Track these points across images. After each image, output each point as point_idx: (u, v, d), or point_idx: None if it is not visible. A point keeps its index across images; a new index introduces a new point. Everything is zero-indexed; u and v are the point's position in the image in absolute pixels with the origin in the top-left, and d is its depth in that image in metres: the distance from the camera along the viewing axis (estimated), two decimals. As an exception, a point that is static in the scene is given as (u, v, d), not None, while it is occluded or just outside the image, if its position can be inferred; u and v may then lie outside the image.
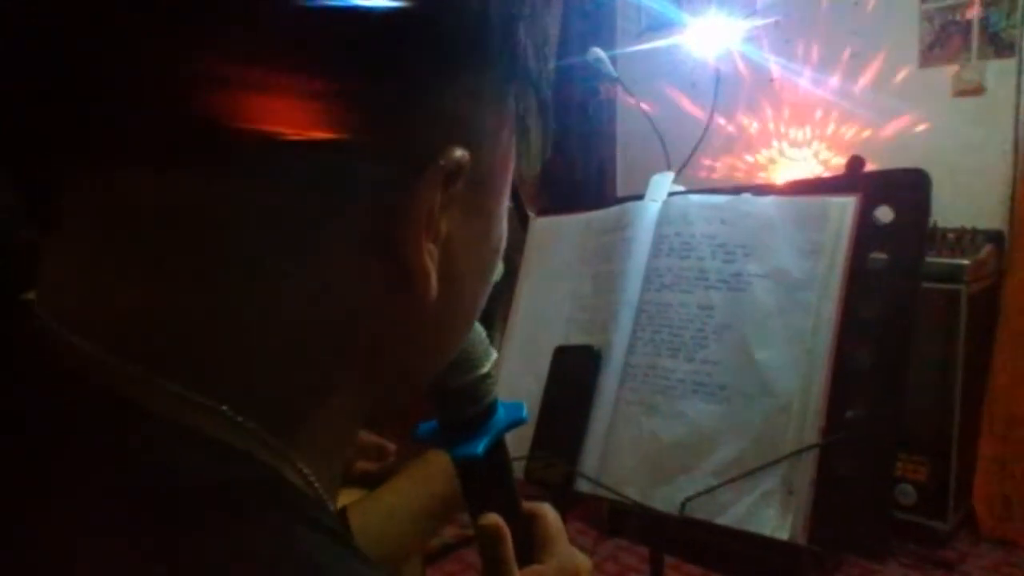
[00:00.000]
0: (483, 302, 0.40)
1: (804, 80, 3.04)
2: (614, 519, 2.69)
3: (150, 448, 0.29)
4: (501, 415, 0.55)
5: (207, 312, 0.30)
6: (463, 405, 0.53)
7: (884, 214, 0.92)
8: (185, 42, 0.27)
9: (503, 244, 0.39)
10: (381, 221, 0.31)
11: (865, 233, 0.92)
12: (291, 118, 0.28)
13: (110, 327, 0.30)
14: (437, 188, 0.32)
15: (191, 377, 0.30)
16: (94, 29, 0.27)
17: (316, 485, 0.33)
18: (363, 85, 0.29)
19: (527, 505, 0.58)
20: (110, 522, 0.26)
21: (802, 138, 3.10)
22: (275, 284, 0.31)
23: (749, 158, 3.23)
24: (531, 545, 0.57)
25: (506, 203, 0.39)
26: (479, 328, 0.50)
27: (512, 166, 0.38)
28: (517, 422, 0.56)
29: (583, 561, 0.57)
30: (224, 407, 0.30)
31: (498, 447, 0.55)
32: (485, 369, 0.52)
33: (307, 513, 0.30)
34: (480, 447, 0.53)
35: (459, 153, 0.32)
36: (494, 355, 0.53)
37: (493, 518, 0.53)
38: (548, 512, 0.58)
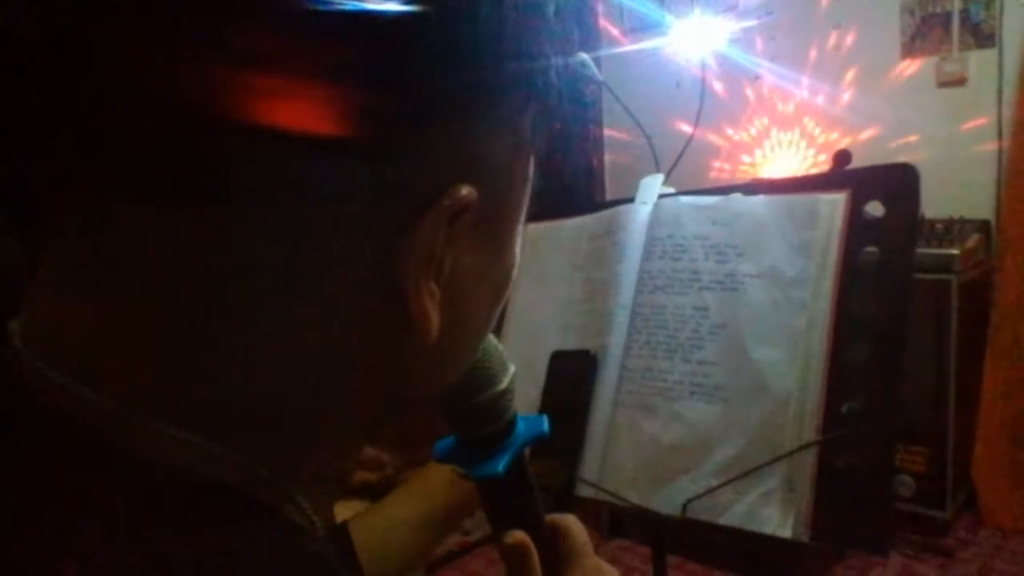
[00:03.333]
0: (490, 329, 0.39)
1: (788, 76, 3.06)
2: (614, 521, 2.69)
3: (131, 491, 0.28)
4: (521, 430, 0.52)
5: (196, 349, 0.30)
6: (482, 423, 0.50)
7: (874, 208, 0.93)
8: (178, 73, 0.26)
9: (515, 271, 0.38)
10: (381, 262, 0.30)
11: (856, 229, 0.92)
12: (289, 155, 0.27)
13: (92, 363, 0.29)
14: (441, 228, 0.31)
15: (174, 414, 0.29)
16: (83, 53, 0.26)
17: (313, 517, 0.33)
18: (366, 122, 0.28)
19: (551, 518, 0.56)
20: (93, 558, 0.26)
21: (787, 134, 3.11)
22: (270, 321, 0.30)
23: (735, 156, 3.24)
24: (557, 559, 0.54)
25: (520, 228, 0.37)
26: (495, 342, 0.48)
27: (528, 192, 0.37)
28: (538, 436, 0.53)
29: (611, 573, 0.55)
30: (209, 442, 0.29)
31: (518, 462, 0.53)
32: (504, 385, 0.49)
33: (302, 545, 0.30)
34: (500, 465, 0.51)
35: (465, 191, 0.31)
36: (512, 369, 0.50)
37: (519, 535, 0.51)
38: (573, 524, 0.56)
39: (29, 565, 0.26)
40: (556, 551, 0.55)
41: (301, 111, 0.27)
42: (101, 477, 0.28)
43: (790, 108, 3.09)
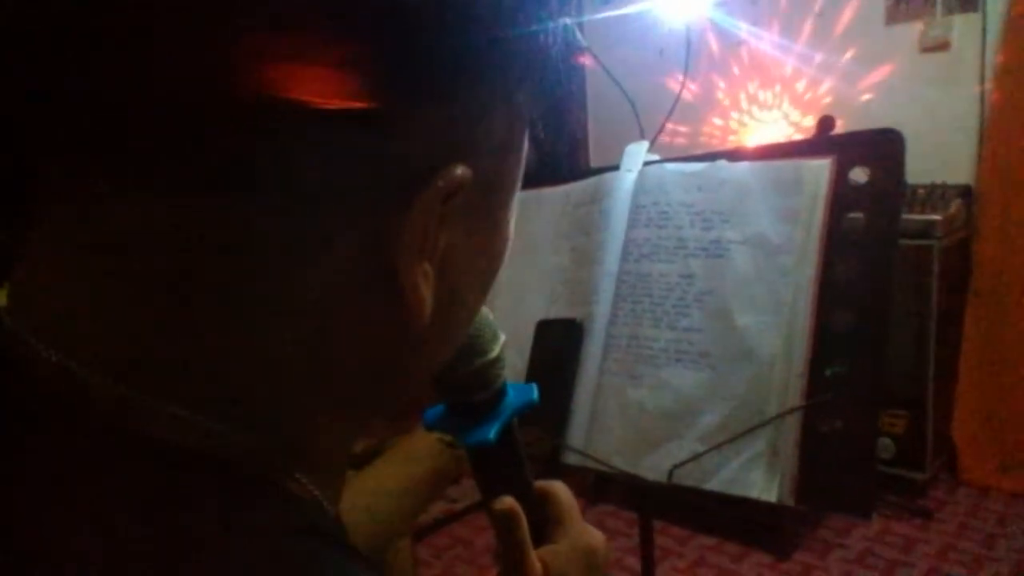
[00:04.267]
0: (482, 305, 0.38)
1: (772, 42, 3.04)
2: (599, 486, 2.72)
3: (134, 467, 0.28)
4: (511, 398, 0.53)
5: (191, 331, 0.29)
6: (472, 391, 0.51)
7: (859, 175, 0.93)
8: (162, 47, 0.25)
9: (509, 246, 0.37)
10: (373, 242, 0.30)
11: (841, 195, 0.92)
12: (279, 131, 0.27)
13: (88, 342, 0.29)
14: (434, 208, 0.30)
15: (174, 392, 0.29)
16: (83, 36, 0.26)
17: (316, 493, 0.33)
18: (360, 98, 0.27)
19: (540, 484, 0.57)
20: (98, 536, 0.25)
21: (772, 100, 3.10)
22: (263, 299, 0.30)
23: (720, 122, 3.23)
24: (545, 524, 0.55)
25: (514, 204, 0.36)
26: (486, 311, 0.48)
27: (522, 168, 0.36)
28: (528, 404, 0.53)
29: (597, 537, 0.56)
30: (211, 420, 0.29)
31: (509, 430, 0.53)
32: (494, 353, 0.49)
33: (302, 519, 0.29)
34: (492, 433, 0.51)
35: (459, 171, 0.30)
36: (502, 338, 0.50)
37: (508, 501, 0.52)
38: (561, 490, 0.57)
39: (26, 545, 0.25)
40: (545, 516, 0.56)
41: (291, 85, 0.26)
42: (98, 454, 0.28)
43: (774, 73, 3.08)
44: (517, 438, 0.55)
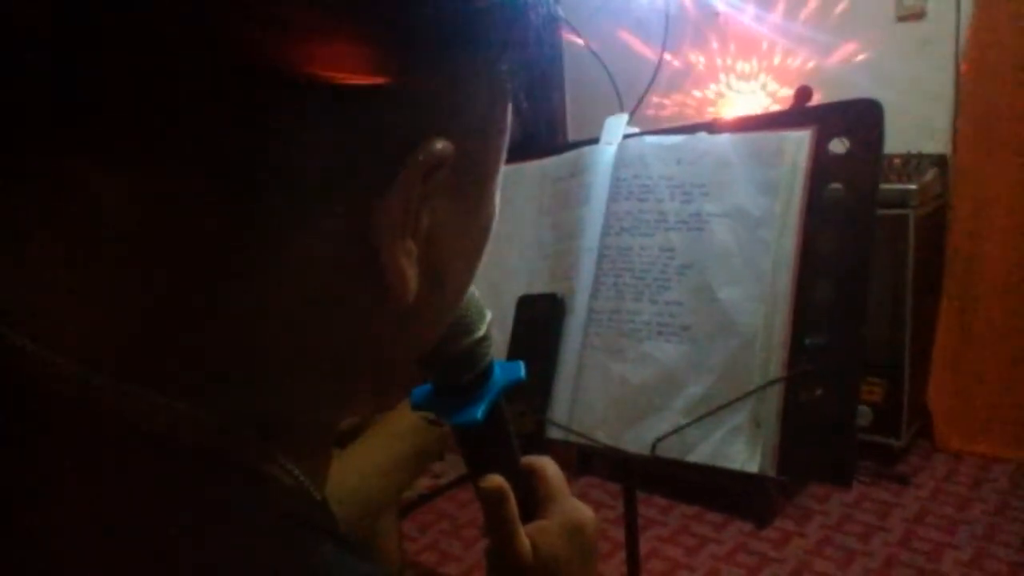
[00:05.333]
0: (470, 282, 0.38)
1: (748, 13, 3.03)
2: (583, 459, 2.75)
3: (113, 456, 0.27)
4: (498, 376, 0.52)
5: (176, 315, 0.29)
6: (459, 371, 0.50)
7: (838, 145, 0.93)
8: (144, 17, 0.25)
9: (494, 223, 0.37)
10: (355, 220, 0.29)
11: (821, 166, 0.92)
12: (260, 104, 0.26)
13: (62, 329, 0.28)
14: (416, 184, 0.29)
15: (154, 379, 0.28)
16: (80, 7, 0.25)
17: (302, 480, 0.32)
18: (340, 69, 0.27)
19: (527, 460, 0.56)
20: (92, 532, 0.25)
21: (749, 71, 3.10)
22: (243, 283, 0.29)
23: (698, 94, 3.23)
24: (534, 500, 0.55)
25: (499, 178, 0.36)
26: (472, 289, 0.46)
27: (506, 141, 0.35)
28: (515, 382, 0.53)
29: (586, 513, 0.56)
30: (192, 407, 0.28)
31: (496, 408, 0.53)
32: (481, 332, 0.49)
33: (284, 507, 0.29)
34: (479, 412, 0.50)
35: (440, 146, 0.29)
36: (488, 316, 0.49)
37: (496, 479, 0.52)
38: (548, 466, 0.57)
39: (14, 532, 0.25)
40: (533, 493, 0.56)
41: (272, 55, 0.25)
42: (80, 443, 0.27)
43: (750, 43, 3.07)
44: (505, 416, 0.54)
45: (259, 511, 0.28)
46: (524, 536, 0.52)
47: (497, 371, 0.52)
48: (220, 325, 0.29)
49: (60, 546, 0.25)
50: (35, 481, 0.26)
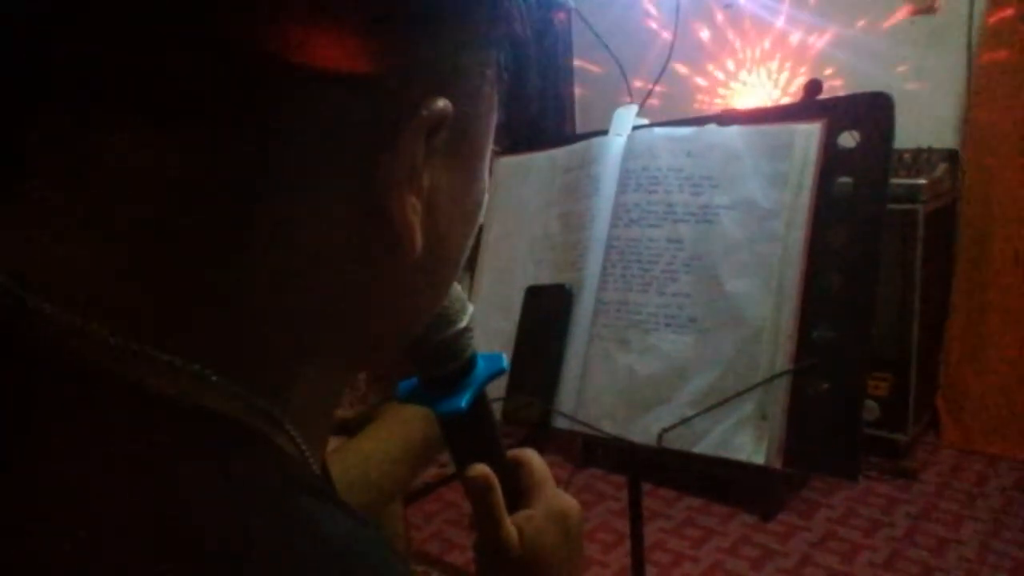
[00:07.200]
0: (465, 256, 0.39)
1: (761, 4, 3.02)
2: (587, 451, 2.75)
3: (133, 419, 0.28)
4: (481, 367, 0.54)
5: (184, 276, 0.29)
6: (443, 361, 0.52)
7: (848, 139, 0.92)
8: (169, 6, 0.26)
9: (485, 197, 0.39)
10: (364, 177, 0.31)
11: (830, 159, 0.92)
12: (272, 73, 0.27)
13: (80, 292, 0.29)
14: (420, 140, 0.31)
15: (171, 342, 0.29)
16: None
17: (303, 447, 0.33)
18: (345, 37, 0.28)
19: (512, 452, 0.58)
20: (101, 496, 0.25)
21: (759, 63, 3.09)
22: (256, 245, 0.30)
23: (703, 83, 3.21)
24: (519, 491, 0.57)
25: (488, 156, 0.38)
26: (455, 285, 0.49)
27: (495, 118, 0.37)
28: (497, 373, 0.55)
29: (571, 503, 0.57)
30: (208, 371, 0.29)
31: (480, 399, 0.55)
32: (463, 324, 0.51)
33: (293, 474, 0.30)
34: (463, 401, 0.53)
35: (442, 104, 0.31)
36: (470, 309, 0.52)
37: (481, 469, 0.53)
38: (533, 458, 0.58)
39: (27, 497, 0.25)
40: (518, 484, 0.57)
41: (280, 26, 0.27)
42: (97, 406, 0.28)
43: (762, 37, 3.05)
44: (489, 407, 0.56)
45: (271, 480, 0.29)
46: (511, 525, 0.53)
47: (480, 363, 0.54)
48: (235, 293, 0.30)
49: (84, 505, 0.25)
50: (58, 443, 0.26)
